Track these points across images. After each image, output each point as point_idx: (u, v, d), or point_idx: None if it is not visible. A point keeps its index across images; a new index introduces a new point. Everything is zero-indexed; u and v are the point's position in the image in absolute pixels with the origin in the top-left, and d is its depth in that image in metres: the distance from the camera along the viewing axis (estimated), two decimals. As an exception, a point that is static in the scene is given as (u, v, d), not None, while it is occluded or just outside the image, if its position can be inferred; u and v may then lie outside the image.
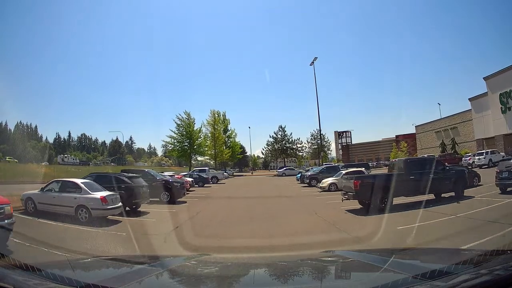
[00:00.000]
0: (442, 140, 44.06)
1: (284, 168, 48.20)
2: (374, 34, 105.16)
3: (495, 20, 78.26)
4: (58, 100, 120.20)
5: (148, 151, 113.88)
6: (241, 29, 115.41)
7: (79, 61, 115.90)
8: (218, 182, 31.44)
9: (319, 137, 59.72)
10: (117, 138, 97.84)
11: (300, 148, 68.04)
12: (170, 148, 48.46)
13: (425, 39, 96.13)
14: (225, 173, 42.46)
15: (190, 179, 22.22)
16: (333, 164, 34.82)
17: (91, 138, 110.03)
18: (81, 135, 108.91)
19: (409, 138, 67.28)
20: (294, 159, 71.94)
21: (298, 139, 67.67)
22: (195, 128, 47.04)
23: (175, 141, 46.85)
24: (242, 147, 65.55)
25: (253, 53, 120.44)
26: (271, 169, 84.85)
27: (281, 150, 65.88)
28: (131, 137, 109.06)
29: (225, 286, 1.83)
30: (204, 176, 27.13)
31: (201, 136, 48.96)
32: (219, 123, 54.70)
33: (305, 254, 3.83)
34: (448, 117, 45.91)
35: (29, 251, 5.87)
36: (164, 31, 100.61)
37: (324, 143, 63.29)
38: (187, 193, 17.44)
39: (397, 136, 77.51)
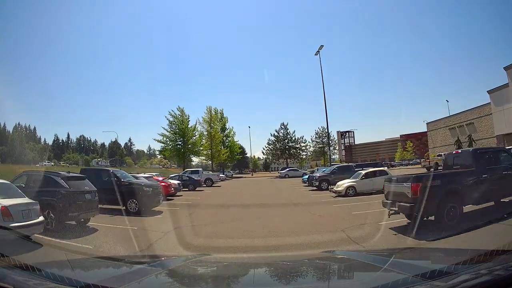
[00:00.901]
0: (458, 137, 39.41)
1: (287, 169, 43.71)
2: (373, 34, 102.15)
3: (494, 20, 75.05)
4: (57, 102, 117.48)
5: (148, 152, 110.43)
6: (240, 28, 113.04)
7: (79, 62, 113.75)
8: (213, 185, 28.04)
9: (324, 135, 54.67)
10: (115, 140, 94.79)
11: (303, 148, 60.64)
12: (162, 147, 43.96)
13: (425, 39, 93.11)
14: (221, 175, 38.83)
15: (176, 182, 18.72)
16: (345, 164, 31.38)
17: (90, 140, 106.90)
18: (80, 136, 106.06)
19: (414, 138, 64.50)
20: (297, 160, 65.82)
21: (302, 138, 60.30)
22: (189, 126, 42.87)
23: (167, 139, 42.33)
24: (241, 148, 62.82)
25: (253, 53, 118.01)
26: (272, 171, 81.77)
27: (283, 149, 58.66)
28: (130, 138, 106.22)
29: (225, 286, 1.79)
30: (195, 179, 23.73)
31: (196, 134, 44.70)
32: (216, 120, 50.16)
33: (305, 254, 3.84)
34: (463, 112, 41.57)
35: None
36: (163, 31, 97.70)
37: (330, 141, 57.17)
38: (171, 199, 14.99)
39: (401, 136, 74.29)
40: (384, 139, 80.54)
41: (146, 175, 17.79)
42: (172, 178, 21.75)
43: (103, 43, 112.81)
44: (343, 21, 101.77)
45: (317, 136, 61.91)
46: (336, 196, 14.35)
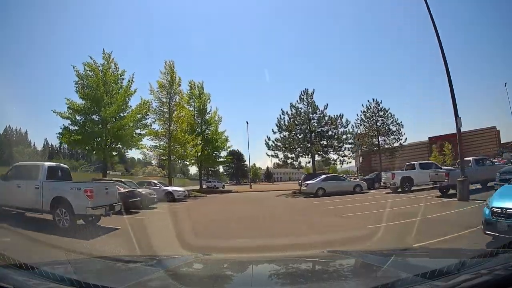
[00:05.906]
0: None
1: (321, 178, 21.22)
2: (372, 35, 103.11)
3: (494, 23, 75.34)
4: (55, 104, 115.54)
5: (144, 160, 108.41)
6: (241, 29, 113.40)
7: (76, 62, 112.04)
8: (103, 220, 9.01)
9: (380, 114, 33.94)
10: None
11: (345, 139, 29.51)
12: (64, 129, 20.90)
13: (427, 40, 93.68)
14: (178, 189, 21.23)
15: None
16: None
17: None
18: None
19: (442, 141, 55.94)
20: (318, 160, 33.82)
21: (340, 117, 29.22)
22: (119, 87, 20.74)
23: (75, 113, 19.97)
24: (237, 152, 55.31)
25: (254, 54, 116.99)
26: (276, 182, 68.59)
27: (307, 138, 29.02)
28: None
29: (225, 286, 1.82)
30: None
31: (130, 103, 21.26)
32: (179, 90, 27.28)
33: (305, 254, 3.78)
34: None
35: None
36: (163, 31, 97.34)
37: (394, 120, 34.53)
38: None
39: (430, 139, 65.26)
40: (407, 143, 77.56)
41: None
42: None
43: (102, 41, 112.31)
44: (344, 22, 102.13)
45: (364, 116, 34.32)
46: None
